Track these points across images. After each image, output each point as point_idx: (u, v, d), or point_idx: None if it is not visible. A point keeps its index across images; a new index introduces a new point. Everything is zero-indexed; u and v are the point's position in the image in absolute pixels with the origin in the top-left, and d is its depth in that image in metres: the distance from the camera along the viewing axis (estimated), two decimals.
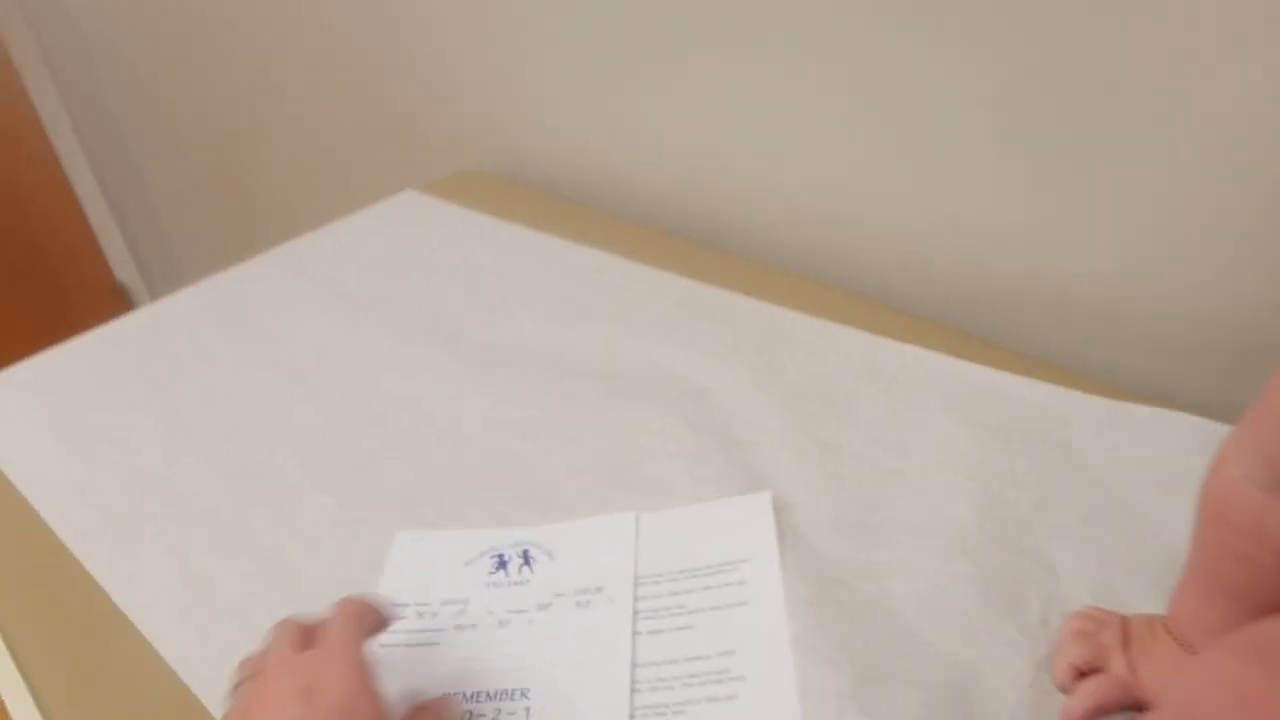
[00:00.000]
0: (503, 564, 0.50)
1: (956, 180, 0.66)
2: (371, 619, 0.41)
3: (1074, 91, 0.57)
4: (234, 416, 0.68)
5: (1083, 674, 0.40)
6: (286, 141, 1.38)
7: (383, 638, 0.47)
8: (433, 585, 0.50)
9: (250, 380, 0.72)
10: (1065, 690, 0.41)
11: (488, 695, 0.43)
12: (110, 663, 0.51)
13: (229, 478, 0.62)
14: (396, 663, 0.44)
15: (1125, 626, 0.41)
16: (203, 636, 0.51)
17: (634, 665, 0.44)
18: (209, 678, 0.48)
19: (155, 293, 2.04)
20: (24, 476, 0.65)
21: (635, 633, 0.45)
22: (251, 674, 0.40)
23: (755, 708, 0.41)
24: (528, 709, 0.43)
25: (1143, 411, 0.55)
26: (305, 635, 0.41)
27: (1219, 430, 0.53)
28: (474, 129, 1.06)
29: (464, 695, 0.43)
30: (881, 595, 0.47)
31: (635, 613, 0.47)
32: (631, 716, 0.42)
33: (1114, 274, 0.61)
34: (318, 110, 1.27)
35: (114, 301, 1.99)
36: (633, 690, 0.43)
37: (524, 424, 0.63)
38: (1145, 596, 0.45)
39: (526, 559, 0.51)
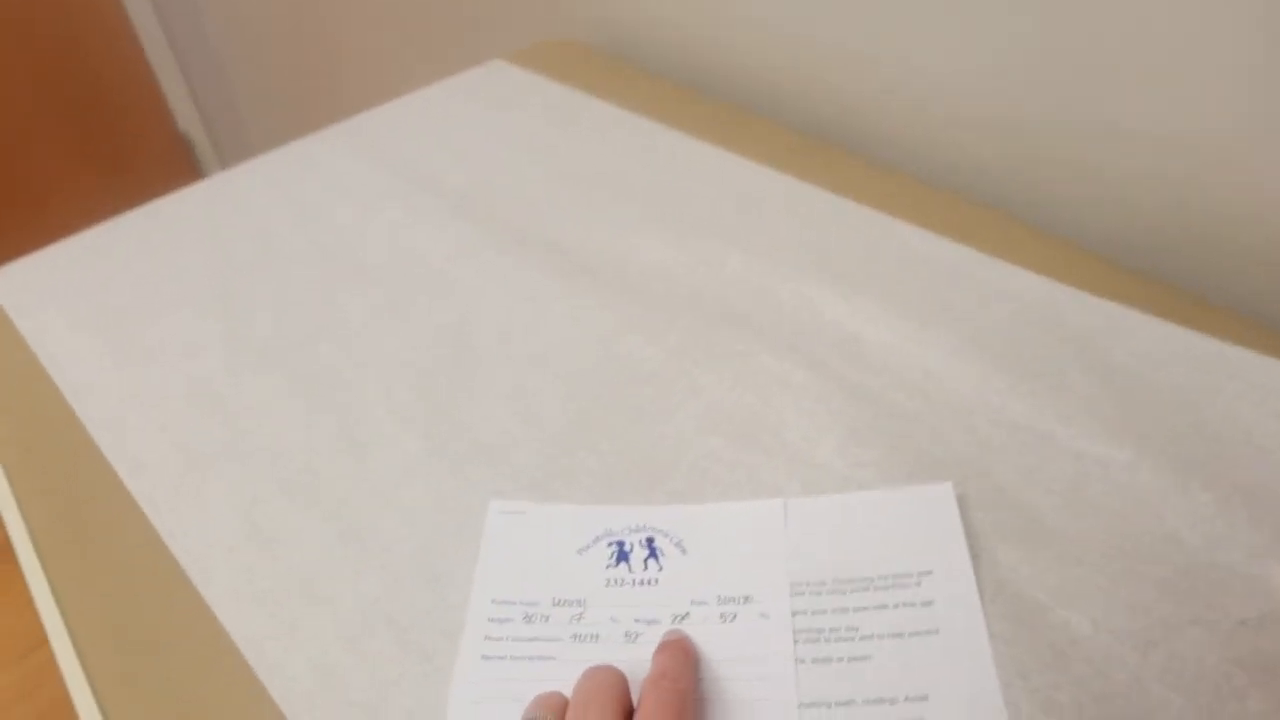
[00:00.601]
0: (624, 555, 0.42)
1: (1197, 94, 0.53)
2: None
3: None
4: (304, 326, 0.60)
5: None
6: None
7: (484, 648, 0.39)
8: (541, 579, 0.42)
9: (320, 282, 0.63)
10: None
11: None
12: (165, 628, 0.45)
13: (299, 403, 0.54)
14: (504, 681, 0.36)
15: None
16: (269, 609, 0.44)
17: (800, 705, 0.36)
18: (277, 662, 0.41)
19: (218, 146, 1.95)
20: (73, 383, 0.58)
21: (798, 660, 0.37)
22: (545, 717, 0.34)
23: None
24: None
25: None
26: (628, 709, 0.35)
27: None
28: None
29: None
30: (1094, 632, 0.38)
31: (794, 633, 0.38)
32: None
33: None
34: None
35: (175, 151, 1.91)
36: None
37: (638, 364, 0.54)
38: None
39: (652, 550, 0.42)
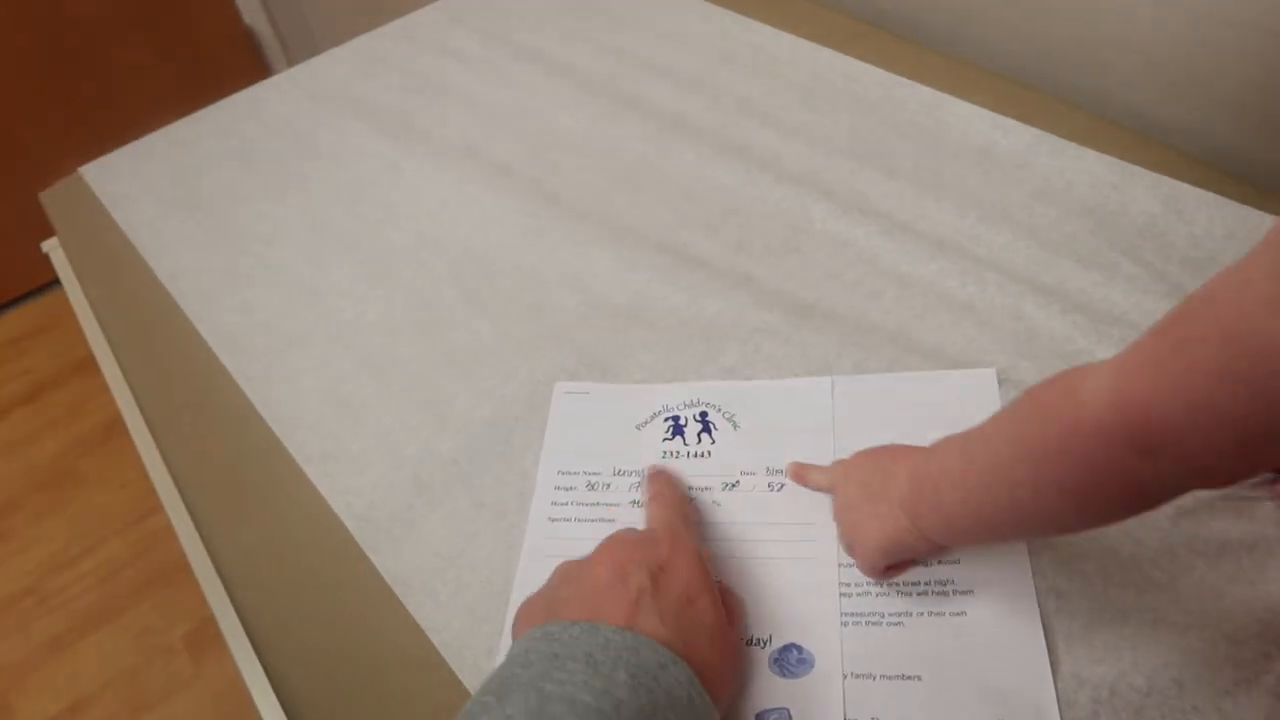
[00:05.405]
0: (679, 429, 0.45)
1: None
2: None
3: None
4: (376, 213, 0.63)
5: None
6: None
7: (551, 511, 0.43)
8: (602, 451, 0.45)
9: (393, 174, 0.66)
10: None
11: None
12: (263, 488, 0.49)
13: (375, 286, 0.58)
14: (569, 540, 0.39)
15: None
16: (356, 469, 0.48)
17: (840, 565, 0.39)
18: (363, 515, 0.46)
19: (282, 39, 1.97)
20: (167, 269, 0.62)
21: (839, 523, 0.40)
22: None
23: (987, 630, 0.36)
24: None
25: None
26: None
27: None
28: None
29: None
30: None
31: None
32: (841, 624, 0.37)
33: None
34: None
35: (241, 45, 1.93)
36: (840, 594, 0.38)
37: (692, 254, 0.55)
38: None
39: (706, 425, 0.45)
